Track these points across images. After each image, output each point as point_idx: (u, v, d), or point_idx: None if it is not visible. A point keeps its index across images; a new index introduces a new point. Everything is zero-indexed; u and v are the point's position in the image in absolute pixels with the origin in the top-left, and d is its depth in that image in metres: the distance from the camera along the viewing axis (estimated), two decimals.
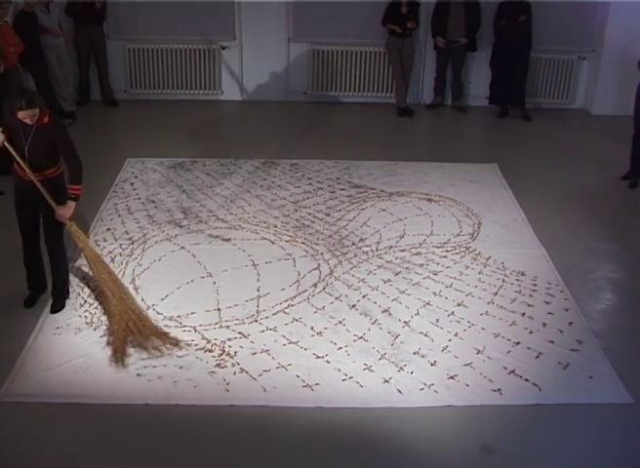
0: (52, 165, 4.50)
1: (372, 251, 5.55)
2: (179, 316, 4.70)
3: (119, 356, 4.29)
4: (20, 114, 4.26)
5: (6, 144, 4.33)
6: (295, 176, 6.89)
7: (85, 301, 4.84)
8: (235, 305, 4.83)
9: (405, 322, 4.69)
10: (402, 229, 5.90)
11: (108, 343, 4.41)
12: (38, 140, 4.38)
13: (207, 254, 5.43)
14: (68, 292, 4.88)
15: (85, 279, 5.08)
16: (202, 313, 4.74)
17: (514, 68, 8.47)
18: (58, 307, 4.75)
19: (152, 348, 4.36)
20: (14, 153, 4.34)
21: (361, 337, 4.53)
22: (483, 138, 8.49)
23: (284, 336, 4.52)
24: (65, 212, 4.47)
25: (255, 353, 4.36)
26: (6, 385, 4.06)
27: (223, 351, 4.38)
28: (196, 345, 4.42)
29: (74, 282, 5.05)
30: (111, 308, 4.58)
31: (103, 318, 4.65)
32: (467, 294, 5.00)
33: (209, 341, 4.45)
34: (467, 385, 4.13)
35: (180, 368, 4.23)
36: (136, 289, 4.98)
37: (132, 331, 4.43)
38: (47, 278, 4.91)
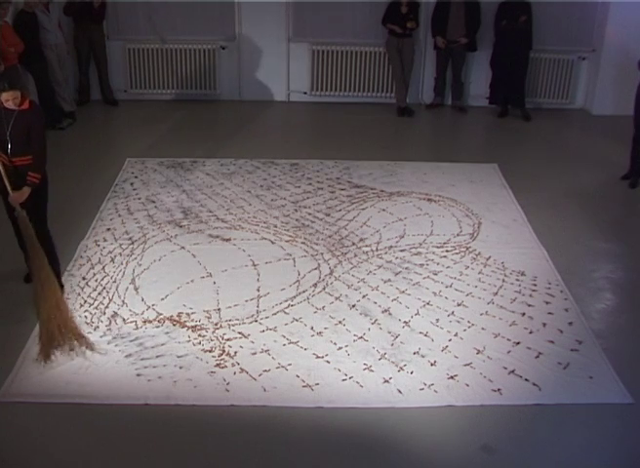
0: (27, 153, 4.58)
1: (372, 251, 5.56)
2: (179, 316, 4.70)
3: (43, 355, 4.26)
4: (3, 96, 4.39)
5: None
6: (295, 176, 6.89)
7: (85, 301, 4.84)
8: (235, 305, 4.83)
9: (405, 322, 4.69)
10: (402, 229, 5.90)
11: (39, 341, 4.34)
12: (19, 126, 4.50)
13: (207, 254, 5.43)
14: (58, 271, 4.86)
15: (85, 279, 5.09)
16: (202, 313, 4.74)
17: (514, 68, 8.48)
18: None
19: (69, 349, 4.34)
20: None
21: (361, 337, 4.53)
22: (483, 138, 8.49)
23: (284, 336, 4.52)
24: (18, 196, 4.53)
25: (255, 353, 4.36)
26: (6, 385, 4.06)
27: (223, 351, 4.38)
28: (196, 345, 4.42)
29: (74, 282, 5.05)
30: (39, 303, 4.43)
31: (104, 318, 4.66)
32: (467, 294, 5.00)
33: (209, 341, 4.46)
34: (467, 385, 4.13)
35: (180, 368, 4.23)
36: (136, 289, 4.98)
37: (54, 328, 4.35)
38: None
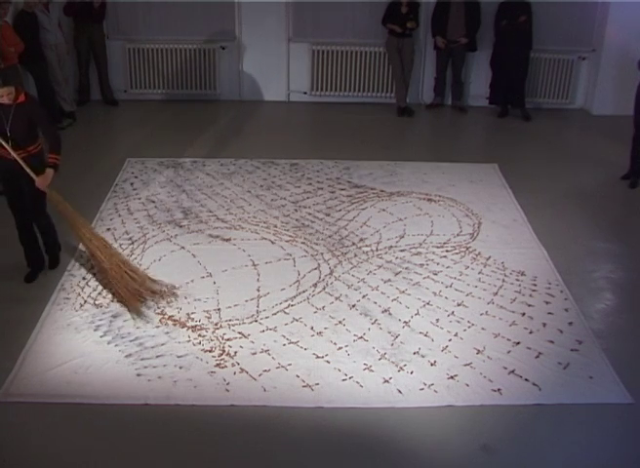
0: (32, 141, 4.81)
1: (372, 251, 5.56)
2: (179, 316, 4.70)
3: (134, 308, 4.67)
4: None
5: None
6: (295, 176, 6.89)
7: (85, 301, 4.84)
8: (235, 305, 4.83)
9: (405, 322, 4.69)
10: (402, 229, 5.90)
11: (120, 301, 4.77)
12: (18, 119, 4.68)
13: (207, 254, 5.43)
14: (60, 247, 5.29)
15: (85, 279, 5.09)
16: (202, 313, 4.74)
17: (514, 68, 8.47)
18: (54, 264, 5.22)
19: (151, 294, 4.81)
20: None
21: (361, 337, 4.53)
22: (483, 138, 8.49)
23: (284, 336, 4.52)
24: (44, 180, 4.75)
25: (255, 353, 4.36)
26: (6, 385, 4.06)
27: (223, 351, 4.38)
28: (196, 345, 4.43)
29: (74, 282, 5.05)
30: (104, 266, 4.87)
31: (104, 317, 4.66)
32: (467, 294, 5.00)
33: (209, 341, 4.46)
34: (467, 385, 4.13)
35: (180, 368, 4.23)
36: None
37: (131, 279, 4.82)
38: (43, 254, 5.23)
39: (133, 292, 4.79)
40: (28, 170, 4.70)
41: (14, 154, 4.67)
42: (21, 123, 4.69)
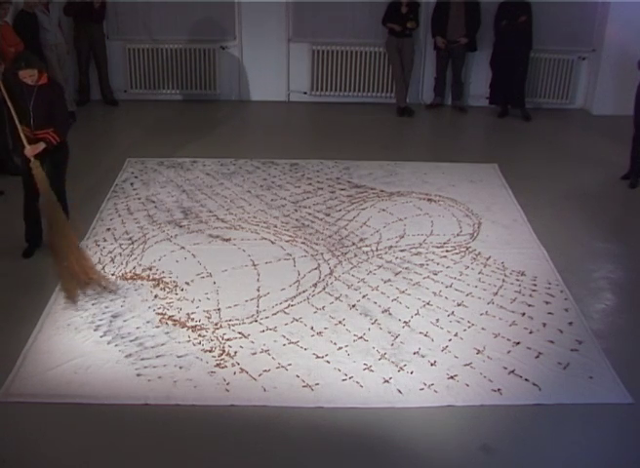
0: (50, 125, 5.04)
1: (372, 251, 5.56)
2: (179, 316, 4.70)
3: (70, 296, 4.78)
4: (21, 74, 4.86)
5: (5, 97, 4.90)
6: (295, 176, 6.89)
7: (86, 301, 4.83)
8: (235, 305, 4.83)
9: (405, 322, 4.69)
10: (402, 229, 5.90)
11: (61, 287, 4.87)
12: (40, 100, 4.97)
13: (207, 254, 5.43)
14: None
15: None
16: (202, 313, 4.74)
17: (514, 68, 8.47)
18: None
19: (93, 285, 4.91)
20: (12, 111, 4.89)
21: (361, 337, 4.53)
22: (483, 138, 8.49)
23: (284, 336, 4.52)
24: (32, 149, 5.00)
25: (255, 353, 4.36)
26: (6, 385, 4.06)
27: (223, 351, 4.38)
28: (196, 345, 4.43)
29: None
30: (55, 246, 4.96)
31: (104, 317, 4.66)
32: (467, 294, 5.00)
33: (209, 341, 4.46)
34: (467, 385, 4.13)
35: (180, 368, 4.23)
36: (136, 289, 4.98)
37: (71, 265, 4.90)
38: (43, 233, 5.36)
39: (75, 275, 4.90)
40: (23, 137, 4.94)
41: (20, 132, 4.93)
42: (42, 104, 4.96)
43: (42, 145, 5.03)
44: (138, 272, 5.17)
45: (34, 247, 5.37)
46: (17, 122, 4.94)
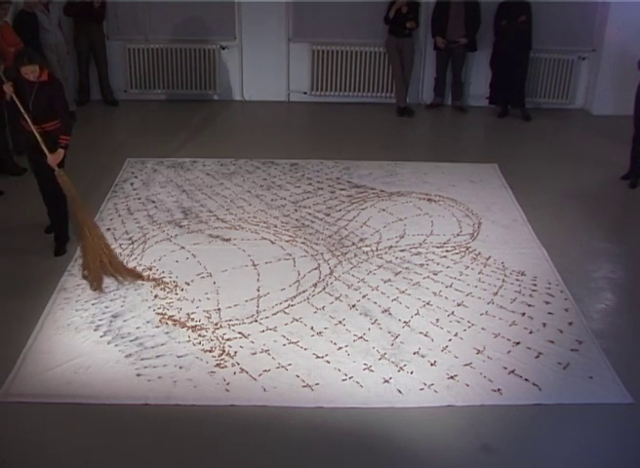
0: (51, 119, 5.13)
1: (372, 251, 5.56)
2: (179, 316, 4.70)
3: (96, 283, 4.94)
4: (23, 70, 4.96)
5: (14, 97, 4.98)
6: (295, 176, 6.89)
7: (85, 301, 4.84)
8: (235, 305, 4.83)
9: (405, 322, 4.69)
10: (402, 229, 5.90)
11: (85, 276, 5.05)
12: (40, 96, 5.07)
13: (207, 254, 5.43)
14: (68, 237, 5.50)
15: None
16: (202, 313, 4.74)
17: (514, 68, 8.47)
18: (60, 252, 5.39)
19: (121, 278, 5.03)
20: (20, 106, 4.98)
21: (361, 337, 4.53)
22: (483, 138, 8.49)
23: (284, 336, 4.52)
24: (55, 158, 5.10)
25: (255, 353, 4.36)
26: (6, 385, 4.06)
27: (223, 351, 4.38)
28: (196, 345, 4.43)
29: (74, 282, 5.05)
30: (87, 246, 5.12)
31: (104, 317, 4.66)
32: (467, 294, 5.00)
33: (209, 341, 4.46)
34: (467, 385, 4.13)
35: (180, 368, 4.23)
36: (136, 289, 4.98)
37: (104, 263, 5.06)
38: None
39: (103, 267, 5.05)
40: (43, 146, 5.03)
41: (33, 129, 5.01)
42: (42, 100, 5.06)
43: (61, 152, 5.12)
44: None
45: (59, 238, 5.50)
46: (29, 121, 5.01)
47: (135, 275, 5.09)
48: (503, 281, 5.17)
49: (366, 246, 5.63)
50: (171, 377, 4.15)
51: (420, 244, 5.68)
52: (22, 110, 5.00)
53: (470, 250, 5.60)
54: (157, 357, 4.32)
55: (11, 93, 4.99)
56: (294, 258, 5.41)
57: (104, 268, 5.05)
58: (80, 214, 5.16)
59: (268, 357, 4.33)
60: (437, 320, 4.71)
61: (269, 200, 6.37)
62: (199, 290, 5.00)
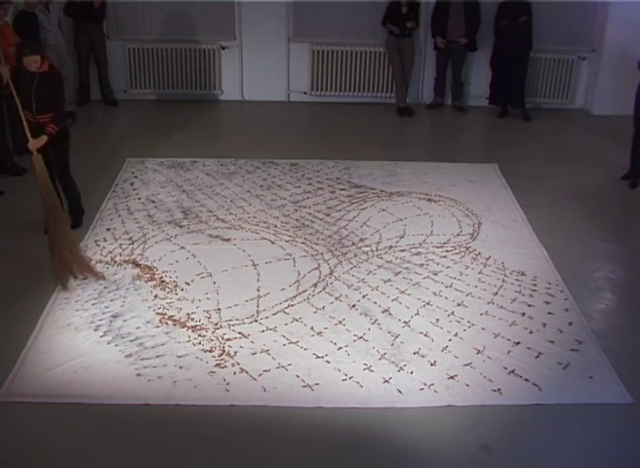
0: (49, 111, 5.26)
1: (372, 251, 5.56)
2: (179, 316, 4.70)
3: (62, 280, 4.95)
4: (25, 60, 5.12)
5: (10, 83, 5.17)
6: (295, 176, 6.89)
7: (85, 301, 4.84)
8: (235, 305, 4.83)
9: (405, 322, 4.69)
10: (402, 229, 5.90)
11: (52, 271, 4.99)
12: (41, 87, 5.23)
13: (207, 254, 5.43)
14: (83, 210, 5.89)
15: (86, 280, 5.08)
16: (202, 313, 4.74)
17: (514, 68, 8.47)
18: (77, 223, 5.76)
19: (80, 274, 5.06)
20: (15, 95, 5.14)
21: (361, 337, 4.53)
22: (483, 138, 8.49)
23: (284, 336, 4.52)
24: (36, 143, 5.21)
25: (255, 353, 4.36)
26: (6, 385, 4.06)
27: (223, 351, 4.38)
28: (196, 345, 4.43)
29: (74, 282, 5.05)
30: (54, 234, 5.07)
31: (104, 317, 4.66)
32: (467, 294, 5.00)
33: (209, 341, 4.46)
34: (467, 385, 4.13)
35: (180, 368, 4.23)
36: (135, 289, 4.98)
37: (67, 254, 5.05)
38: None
39: (65, 262, 5.03)
40: (27, 129, 5.15)
41: (22, 116, 5.12)
42: (44, 90, 5.21)
43: (44, 138, 5.23)
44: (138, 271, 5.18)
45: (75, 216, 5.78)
46: (22, 116, 5.12)
47: (94, 273, 5.09)
48: (503, 281, 5.17)
49: (366, 246, 5.63)
50: (171, 377, 4.15)
51: (420, 244, 5.68)
52: (17, 99, 5.11)
53: (470, 250, 5.60)
54: (157, 357, 4.32)
55: (7, 78, 5.16)
56: (294, 258, 5.41)
57: (67, 259, 5.05)
58: (47, 201, 5.14)
59: (268, 357, 4.33)
60: (437, 320, 4.72)
61: (269, 200, 6.37)
62: (199, 290, 5.00)
